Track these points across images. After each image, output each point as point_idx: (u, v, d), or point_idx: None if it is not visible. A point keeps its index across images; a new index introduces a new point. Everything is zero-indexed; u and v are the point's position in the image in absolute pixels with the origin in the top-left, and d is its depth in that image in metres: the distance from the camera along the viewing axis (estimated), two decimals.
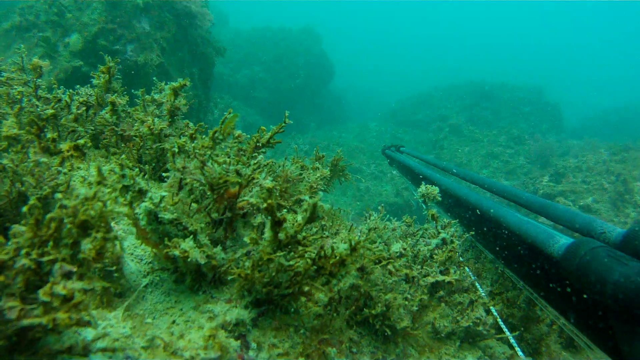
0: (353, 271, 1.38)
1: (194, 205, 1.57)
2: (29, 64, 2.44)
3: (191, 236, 1.38)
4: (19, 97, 2.15)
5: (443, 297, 2.10)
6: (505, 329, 2.09)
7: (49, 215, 1.00)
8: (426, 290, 2.00)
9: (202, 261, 1.34)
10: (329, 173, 2.38)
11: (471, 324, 2.00)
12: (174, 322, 1.32)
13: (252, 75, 21.32)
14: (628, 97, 31.53)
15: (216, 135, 1.67)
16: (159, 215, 1.33)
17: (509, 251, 2.40)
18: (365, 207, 12.13)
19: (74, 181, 1.87)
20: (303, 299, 1.51)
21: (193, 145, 1.59)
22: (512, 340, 2.06)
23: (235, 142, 2.17)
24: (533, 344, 2.43)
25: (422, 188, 2.51)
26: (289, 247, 1.38)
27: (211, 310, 1.38)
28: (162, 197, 1.34)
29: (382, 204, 2.70)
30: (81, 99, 2.38)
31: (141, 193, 1.34)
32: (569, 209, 2.25)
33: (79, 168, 2.03)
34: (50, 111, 2.12)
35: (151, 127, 2.07)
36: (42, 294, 0.91)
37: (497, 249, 2.53)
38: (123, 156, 2.09)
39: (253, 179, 1.55)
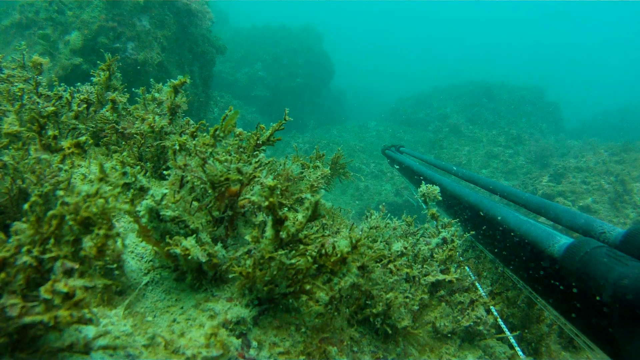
0: (354, 269, 1.38)
1: (195, 203, 1.57)
2: (29, 61, 2.43)
3: (192, 234, 1.38)
4: (19, 94, 2.15)
5: (444, 296, 2.09)
6: (505, 329, 2.09)
7: (50, 212, 1.00)
8: (427, 289, 2.00)
9: (203, 259, 1.34)
10: (329, 172, 2.38)
11: (472, 323, 2.00)
12: (174, 320, 1.31)
13: (252, 74, 21.31)
14: (628, 97, 31.57)
15: (217, 132, 1.66)
16: (161, 213, 1.32)
17: (509, 251, 2.40)
18: (364, 206, 12.12)
19: (75, 179, 1.87)
20: (304, 297, 1.51)
21: (194, 142, 1.59)
22: (512, 340, 2.06)
23: (236, 139, 2.17)
24: (533, 343, 2.43)
25: (423, 187, 2.51)
26: (291, 245, 1.38)
27: (212, 308, 1.37)
28: (164, 195, 1.33)
29: (383, 204, 2.69)
30: (82, 97, 2.37)
31: (142, 191, 1.34)
32: (569, 209, 2.25)
33: (79, 165, 2.03)
34: (51, 108, 2.12)
35: (152, 124, 2.07)
36: (44, 292, 0.91)
37: (497, 248, 2.53)
38: (124, 153, 2.08)
39: (254, 177, 1.54)
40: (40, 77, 2.37)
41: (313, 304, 1.57)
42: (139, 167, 1.78)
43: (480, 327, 2.04)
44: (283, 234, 1.34)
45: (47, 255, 0.98)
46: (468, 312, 2.04)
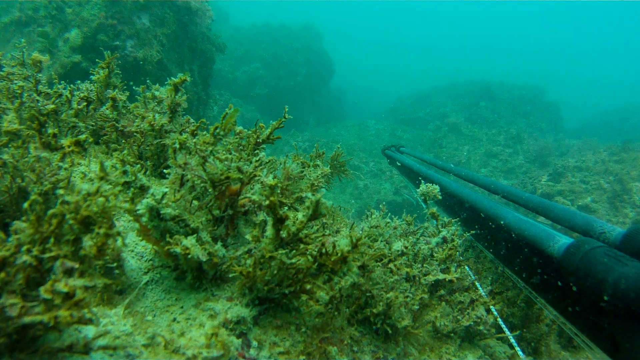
0: (354, 269, 1.37)
1: (195, 202, 1.56)
2: (29, 58, 2.42)
3: (193, 233, 1.38)
4: (19, 92, 2.14)
5: (444, 296, 2.09)
6: (505, 329, 2.09)
7: (50, 211, 1.00)
8: (427, 289, 2.00)
9: (204, 258, 1.34)
10: (329, 171, 2.37)
11: (472, 323, 2.00)
12: (174, 319, 1.31)
13: (252, 72, 21.29)
14: (628, 98, 31.60)
15: (217, 131, 1.66)
16: (161, 212, 1.32)
17: (509, 251, 2.40)
18: (364, 204, 12.12)
19: (75, 177, 1.86)
20: (304, 297, 1.50)
21: (194, 141, 1.58)
22: (512, 340, 2.06)
23: (236, 138, 2.16)
24: (533, 343, 2.43)
25: (423, 187, 2.51)
26: (291, 244, 1.37)
27: (212, 308, 1.37)
28: (164, 194, 1.33)
29: (383, 203, 2.69)
30: (82, 94, 2.36)
31: (143, 189, 1.34)
32: (569, 209, 2.25)
33: (79, 164, 2.02)
34: (51, 106, 2.11)
35: (152, 122, 2.06)
36: (44, 292, 0.91)
37: (497, 248, 2.53)
38: (125, 152, 2.08)
39: (255, 176, 1.54)
40: (40, 75, 2.36)
41: (313, 304, 1.56)
42: (139, 165, 1.77)
43: (480, 327, 2.03)
44: (284, 233, 1.34)
45: (47, 255, 0.97)
46: (468, 311, 2.04)
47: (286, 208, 1.93)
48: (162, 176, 2.18)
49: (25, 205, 1.05)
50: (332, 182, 3.31)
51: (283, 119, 2.13)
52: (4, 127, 1.92)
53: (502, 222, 2.30)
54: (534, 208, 2.44)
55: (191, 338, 1.22)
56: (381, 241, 2.12)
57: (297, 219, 1.34)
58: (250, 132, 2.16)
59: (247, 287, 1.43)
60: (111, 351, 1.08)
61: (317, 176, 2.26)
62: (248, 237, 1.38)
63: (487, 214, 2.50)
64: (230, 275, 1.48)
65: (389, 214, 2.39)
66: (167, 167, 2.12)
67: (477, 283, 2.22)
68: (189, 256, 1.31)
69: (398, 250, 2.04)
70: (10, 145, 1.73)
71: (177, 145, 1.65)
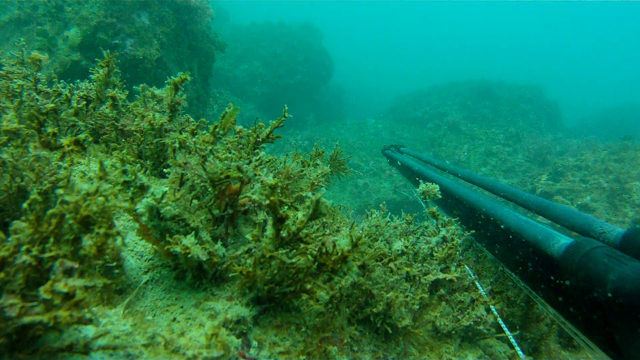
0: (355, 268, 1.37)
1: (195, 201, 1.56)
2: (28, 57, 2.42)
3: (192, 232, 1.37)
4: (19, 90, 2.13)
5: (444, 295, 2.09)
6: (505, 328, 2.09)
7: (50, 211, 0.99)
8: (427, 288, 2.00)
9: (204, 258, 1.33)
10: (329, 170, 2.37)
11: (472, 322, 2.00)
12: (174, 319, 1.31)
13: (252, 71, 21.29)
14: (628, 97, 31.60)
15: (217, 130, 1.65)
16: (161, 211, 1.32)
17: (509, 251, 2.40)
18: (363, 203, 12.10)
19: (74, 176, 1.86)
20: (304, 296, 1.50)
21: (194, 140, 1.58)
22: (512, 340, 2.06)
23: (236, 137, 2.16)
24: (533, 343, 2.43)
25: (423, 186, 2.50)
26: (291, 244, 1.37)
27: (212, 307, 1.37)
28: (164, 193, 1.33)
29: (383, 202, 2.69)
30: (81, 93, 2.36)
31: (142, 189, 1.33)
32: (568, 208, 2.25)
33: (79, 163, 2.02)
34: (51, 105, 2.10)
35: (152, 122, 2.06)
36: (43, 292, 0.90)
37: (497, 248, 2.53)
38: (124, 151, 2.07)
39: (255, 175, 1.54)
40: (39, 74, 2.36)
41: (313, 303, 1.56)
42: (138, 165, 1.77)
43: (481, 327, 2.03)
44: (284, 233, 1.34)
45: (47, 255, 0.97)
46: (468, 311, 2.04)
47: (286, 207, 1.93)
48: (162, 175, 2.18)
49: (25, 204, 1.05)
50: (331, 181, 3.30)
51: (283, 118, 2.13)
52: (4, 126, 1.91)
53: (501, 222, 2.30)
54: (533, 208, 2.43)
55: (191, 338, 1.22)
56: (381, 240, 2.12)
57: (297, 219, 1.33)
58: (250, 130, 2.15)
59: (247, 286, 1.43)
60: (111, 351, 1.08)
61: (317, 175, 2.25)
62: (248, 236, 1.38)
63: (486, 214, 2.50)
64: (230, 275, 1.48)
65: (389, 213, 2.39)
66: (167, 166, 2.12)
67: (477, 282, 2.22)
68: (189, 255, 1.31)
69: (398, 250, 2.04)
70: (9, 145, 1.73)
71: (177, 145, 1.64)
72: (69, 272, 0.96)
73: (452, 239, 2.21)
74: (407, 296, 1.78)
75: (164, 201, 1.32)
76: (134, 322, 1.24)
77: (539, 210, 2.38)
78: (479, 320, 2.03)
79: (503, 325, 2.10)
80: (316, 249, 1.36)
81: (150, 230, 1.36)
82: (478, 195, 2.75)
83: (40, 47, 7.01)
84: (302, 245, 1.37)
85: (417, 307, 1.80)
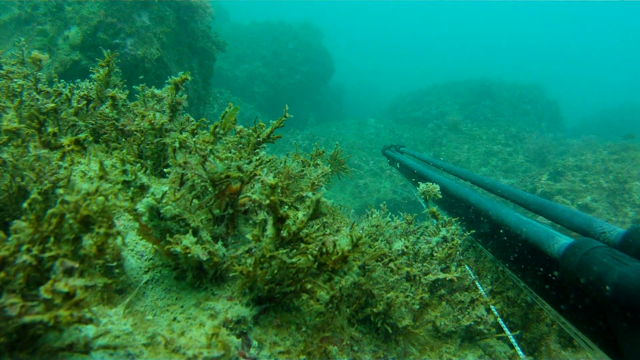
0: (355, 268, 1.37)
1: (196, 201, 1.56)
2: (28, 57, 2.42)
3: (193, 232, 1.37)
4: (19, 90, 2.13)
5: (444, 295, 2.09)
6: (505, 328, 2.09)
7: (50, 211, 0.99)
8: (427, 288, 2.00)
9: (204, 258, 1.33)
10: (330, 170, 2.37)
11: (472, 322, 2.00)
12: (174, 319, 1.31)
13: (252, 70, 21.28)
14: (628, 97, 31.59)
15: (217, 129, 1.65)
16: (161, 211, 1.32)
17: (509, 251, 2.40)
18: (363, 203, 12.08)
19: (75, 176, 1.86)
20: (305, 296, 1.50)
21: (194, 140, 1.58)
22: (512, 340, 2.06)
23: (236, 137, 2.16)
24: (533, 343, 2.43)
25: (423, 186, 2.50)
26: (292, 244, 1.37)
27: (212, 307, 1.37)
28: (164, 193, 1.33)
29: (383, 202, 2.69)
30: (82, 93, 2.36)
31: (143, 188, 1.33)
32: (568, 209, 2.25)
33: (79, 163, 2.02)
34: (51, 105, 2.10)
35: (152, 121, 2.06)
36: (44, 291, 0.90)
37: (497, 248, 2.53)
38: (124, 151, 2.07)
39: (255, 175, 1.54)
40: (39, 73, 2.35)
41: (314, 303, 1.56)
42: (139, 164, 1.77)
43: (481, 327, 2.03)
44: (284, 233, 1.34)
45: (47, 254, 0.97)
46: (468, 311, 2.04)
47: (287, 207, 1.93)
48: (162, 175, 2.18)
49: (25, 204, 1.05)
50: (331, 181, 3.30)
51: (284, 118, 2.13)
52: (4, 125, 1.91)
53: (502, 222, 2.30)
54: (533, 208, 2.43)
55: (191, 337, 1.22)
56: (382, 240, 2.12)
57: (297, 218, 1.33)
58: (250, 130, 2.15)
59: (247, 286, 1.43)
60: (111, 350, 1.08)
61: (318, 175, 2.25)
62: (248, 236, 1.38)
63: (487, 214, 2.50)
64: (231, 275, 1.48)
65: (390, 213, 2.39)
66: (167, 166, 2.12)
67: (477, 282, 2.22)
68: (189, 255, 1.31)
69: (398, 250, 2.04)
70: (10, 144, 1.73)
71: (177, 144, 1.64)
72: (69, 272, 0.95)
73: (453, 239, 2.21)
74: (407, 296, 1.78)
75: (164, 201, 1.32)
76: (134, 322, 1.24)
77: (539, 210, 2.38)
78: (479, 320, 2.03)
79: (503, 325, 2.10)
80: (316, 248, 1.36)
81: (150, 230, 1.36)
82: (478, 195, 2.74)
83: (40, 47, 7.01)
84: (302, 245, 1.37)
85: (418, 307, 1.80)
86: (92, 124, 2.35)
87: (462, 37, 78.79)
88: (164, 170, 1.77)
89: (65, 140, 1.83)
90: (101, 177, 1.17)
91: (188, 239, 1.31)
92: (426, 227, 2.44)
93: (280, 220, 1.31)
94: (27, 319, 0.90)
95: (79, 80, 2.55)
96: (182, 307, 1.36)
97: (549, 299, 2.11)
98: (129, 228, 1.67)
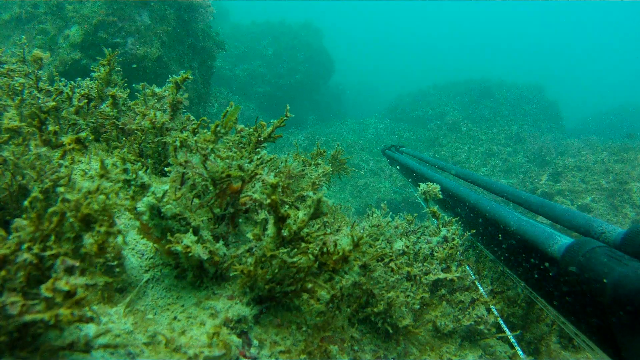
0: (356, 268, 1.37)
1: (196, 200, 1.56)
2: (29, 55, 2.42)
3: (193, 231, 1.37)
4: (20, 88, 2.13)
5: (444, 295, 2.09)
6: (505, 328, 2.09)
7: (51, 209, 0.99)
8: (427, 288, 1.99)
9: (205, 257, 1.33)
10: (331, 169, 2.37)
11: (472, 322, 2.00)
12: (175, 318, 1.31)
13: (252, 70, 21.27)
14: (628, 97, 31.59)
15: (218, 129, 1.65)
16: (162, 210, 1.32)
17: (509, 251, 2.40)
18: (363, 203, 12.08)
19: (75, 175, 1.86)
20: (305, 296, 1.50)
21: (195, 139, 1.58)
22: (512, 340, 2.06)
23: (237, 136, 2.16)
24: (533, 343, 2.43)
25: (423, 185, 2.50)
26: (292, 243, 1.37)
27: (213, 306, 1.37)
28: (165, 192, 1.32)
29: (384, 202, 2.69)
30: (82, 92, 2.36)
31: (143, 187, 1.33)
32: (568, 209, 2.25)
33: (80, 161, 2.02)
34: (52, 103, 2.10)
35: (153, 120, 2.05)
36: (45, 290, 0.90)
37: (497, 248, 2.53)
38: (125, 150, 2.07)
39: (256, 174, 1.53)
40: (40, 72, 2.35)
41: (314, 303, 1.56)
42: (139, 163, 1.77)
43: (481, 326, 2.03)
44: (285, 232, 1.34)
45: (48, 253, 0.97)
46: (469, 311, 2.04)
47: (287, 206, 1.93)
48: (163, 174, 2.18)
49: (26, 202, 1.05)
50: (332, 181, 3.30)
51: (285, 118, 2.12)
52: (5, 124, 1.91)
53: (502, 223, 2.30)
54: (533, 208, 2.43)
55: (192, 337, 1.22)
56: (382, 240, 2.12)
57: (298, 218, 1.33)
58: (251, 130, 2.15)
59: (248, 285, 1.42)
60: (112, 349, 1.08)
61: (319, 174, 2.25)
62: (249, 235, 1.38)
63: (487, 215, 2.50)
64: (231, 274, 1.48)
65: (390, 213, 2.39)
66: (168, 165, 2.12)
67: (477, 282, 2.22)
68: (190, 254, 1.31)
69: (399, 250, 2.04)
70: (11, 143, 1.73)
71: (178, 143, 1.64)
72: (70, 270, 0.95)
73: (453, 239, 2.21)
74: (407, 296, 1.78)
75: (165, 200, 1.32)
76: (134, 321, 1.24)
77: (539, 210, 2.38)
78: (480, 320, 2.03)
79: (503, 325, 2.10)
80: (317, 248, 1.36)
81: (151, 229, 1.35)
82: (479, 195, 2.74)
83: (41, 45, 7.01)
84: (303, 245, 1.37)
85: (418, 306, 1.80)
86: (93, 123, 2.35)
87: (462, 37, 78.80)
88: (165, 169, 1.77)
89: (66, 139, 1.83)
90: (102, 176, 1.17)
91: (189, 238, 1.31)
92: (427, 227, 2.44)
93: (281, 220, 1.31)
94: (28, 317, 0.90)
95: (79, 78, 2.54)
96: (182, 306, 1.36)
97: (548, 299, 2.11)
98: (129, 227, 1.67)
